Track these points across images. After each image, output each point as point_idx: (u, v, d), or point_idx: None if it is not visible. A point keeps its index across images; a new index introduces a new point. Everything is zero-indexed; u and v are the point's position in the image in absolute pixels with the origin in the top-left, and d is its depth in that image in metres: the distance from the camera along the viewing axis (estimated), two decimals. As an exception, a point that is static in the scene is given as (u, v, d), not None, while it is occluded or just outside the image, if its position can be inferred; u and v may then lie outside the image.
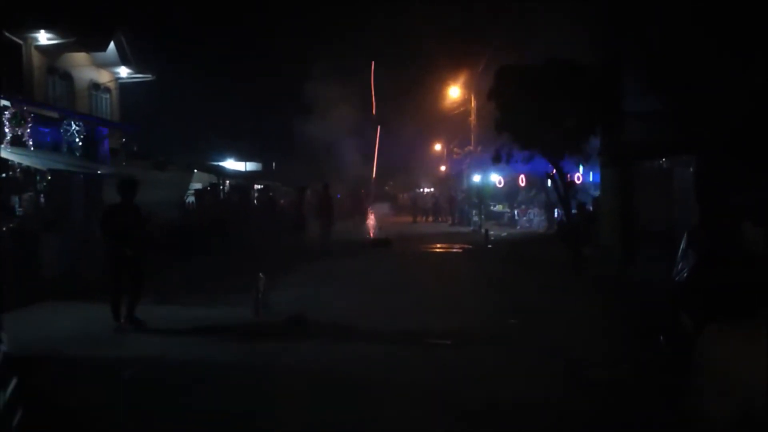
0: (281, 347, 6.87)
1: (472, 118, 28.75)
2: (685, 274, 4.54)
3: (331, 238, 17.02)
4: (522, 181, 25.79)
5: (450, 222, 31.91)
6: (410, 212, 36.98)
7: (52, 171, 12.10)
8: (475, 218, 27.20)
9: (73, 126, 14.53)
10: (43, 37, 17.25)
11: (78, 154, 14.37)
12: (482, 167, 27.44)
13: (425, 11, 26.04)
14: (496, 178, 27.78)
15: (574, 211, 14.64)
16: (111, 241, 7.59)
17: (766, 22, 7.91)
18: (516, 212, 27.70)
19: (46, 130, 14.12)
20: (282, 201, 27.14)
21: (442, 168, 46.41)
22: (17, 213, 12.16)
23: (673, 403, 4.40)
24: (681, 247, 4.55)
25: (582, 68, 12.19)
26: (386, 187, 29.32)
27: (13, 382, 1.33)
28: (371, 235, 22.29)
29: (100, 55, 20.13)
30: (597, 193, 17.04)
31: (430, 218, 35.12)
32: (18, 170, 12.26)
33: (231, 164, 31.76)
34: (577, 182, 21.70)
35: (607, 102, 12.00)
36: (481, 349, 6.66)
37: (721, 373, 2.16)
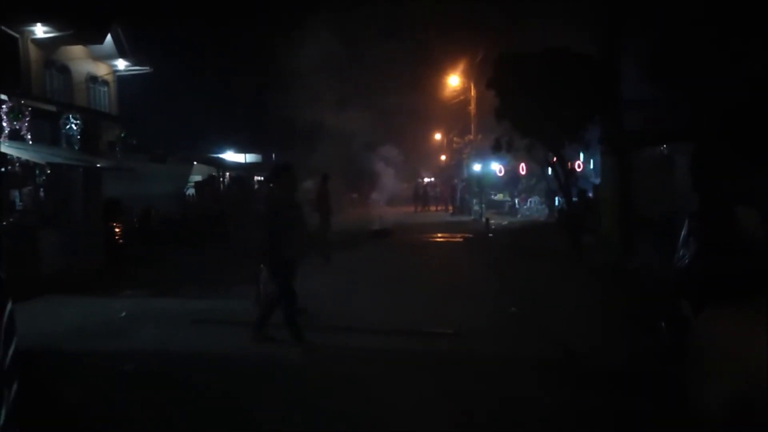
0: (282, 339, 6.86)
1: (472, 106, 28.65)
2: (686, 262, 4.52)
3: (330, 232, 16.88)
4: (522, 169, 25.75)
5: (451, 211, 31.92)
6: (411, 202, 37.00)
7: (50, 165, 12.08)
8: (476, 207, 27.18)
9: (71, 119, 14.48)
10: (40, 31, 17.17)
11: (77, 148, 14.34)
12: (482, 156, 27.39)
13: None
14: (496, 167, 27.74)
15: (575, 198, 14.62)
16: (277, 242, 6.25)
17: (764, 10, 7.86)
18: (516, 201, 27.68)
19: (44, 123, 14.08)
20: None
21: (443, 157, 46.36)
22: (17, 207, 12.15)
23: (673, 390, 4.39)
24: (682, 233, 4.53)
25: (581, 56, 12.13)
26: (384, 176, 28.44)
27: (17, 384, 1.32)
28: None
29: (97, 47, 20.05)
30: (598, 180, 17.02)
31: (431, 207, 35.17)
32: (17, 164, 12.24)
33: (231, 156, 31.72)
34: (578, 170, 21.66)
35: (607, 90, 11.95)
36: (482, 338, 6.66)
37: (717, 357, 2.13)
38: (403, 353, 6.21)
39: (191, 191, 21.01)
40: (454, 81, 30.71)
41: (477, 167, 29.10)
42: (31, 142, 12.87)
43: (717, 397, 1.64)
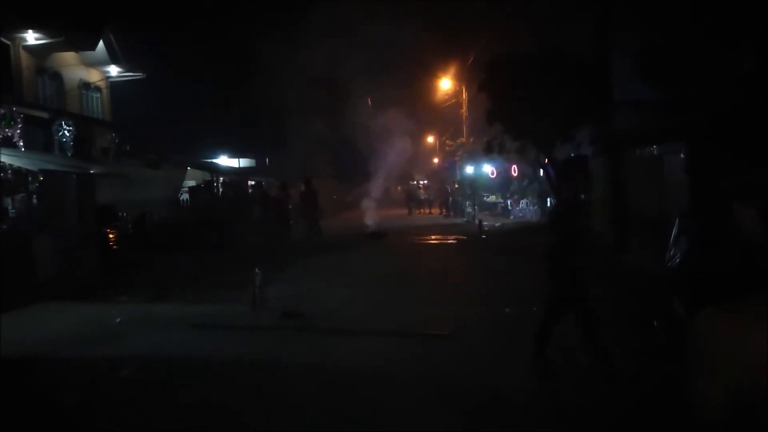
0: (278, 342, 6.89)
1: (464, 109, 28.75)
2: (678, 260, 4.59)
3: (322, 233, 16.91)
4: (514, 171, 25.86)
5: (444, 213, 31.98)
6: (404, 205, 37.07)
7: (43, 171, 12.06)
8: (469, 209, 27.26)
9: (64, 126, 14.47)
10: (31, 37, 17.11)
11: (69, 154, 14.33)
12: (475, 158, 27.50)
13: (413, 2, 25.86)
14: (488, 169, 27.85)
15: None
16: (563, 248, 5.60)
17: (753, 9, 7.96)
18: (509, 202, 27.77)
19: (37, 130, 14.06)
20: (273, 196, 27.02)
21: (435, 160, 46.48)
22: (10, 214, 12.12)
23: (667, 388, 4.45)
24: (673, 233, 4.59)
25: (573, 58, 12.23)
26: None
27: None
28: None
29: (89, 54, 19.99)
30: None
31: (425, 210, 35.28)
32: (9, 172, 12.21)
33: (224, 161, 31.71)
34: (570, 171, 21.72)
35: (598, 91, 12.05)
36: (477, 339, 6.70)
37: (715, 356, 2.18)
38: (398, 354, 6.25)
39: (185, 196, 20.99)
40: (445, 84, 30.80)
41: (469, 169, 29.19)
42: (23, 149, 12.85)
43: (715, 395, 1.68)
